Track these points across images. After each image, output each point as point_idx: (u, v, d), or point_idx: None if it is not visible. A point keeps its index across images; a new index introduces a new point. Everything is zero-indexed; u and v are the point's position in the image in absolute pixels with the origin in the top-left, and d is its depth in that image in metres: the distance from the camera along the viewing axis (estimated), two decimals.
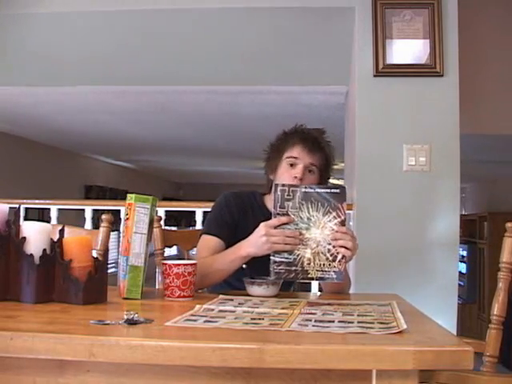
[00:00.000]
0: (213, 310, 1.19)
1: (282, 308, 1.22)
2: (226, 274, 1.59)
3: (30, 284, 1.26)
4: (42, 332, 0.98)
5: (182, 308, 1.32)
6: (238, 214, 1.73)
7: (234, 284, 1.66)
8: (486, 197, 7.10)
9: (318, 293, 1.72)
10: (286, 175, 1.68)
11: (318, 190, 1.45)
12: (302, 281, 1.47)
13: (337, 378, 0.97)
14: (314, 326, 1.03)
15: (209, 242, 1.69)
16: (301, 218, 1.43)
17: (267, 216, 1.56)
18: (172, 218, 8.98)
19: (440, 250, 2.47)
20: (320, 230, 1.43)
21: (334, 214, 1.44)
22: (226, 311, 1.18)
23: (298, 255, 1.43)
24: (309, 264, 1.43)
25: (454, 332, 2.32)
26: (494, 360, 1.52)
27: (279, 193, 1.43)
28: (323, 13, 2.66)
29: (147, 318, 1.09)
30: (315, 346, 0.92)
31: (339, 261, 1.44)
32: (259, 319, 1.09)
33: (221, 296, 1.38)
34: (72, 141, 5.97)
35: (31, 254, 1.27)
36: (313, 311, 1.18)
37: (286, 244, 1.43)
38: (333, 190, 1.45)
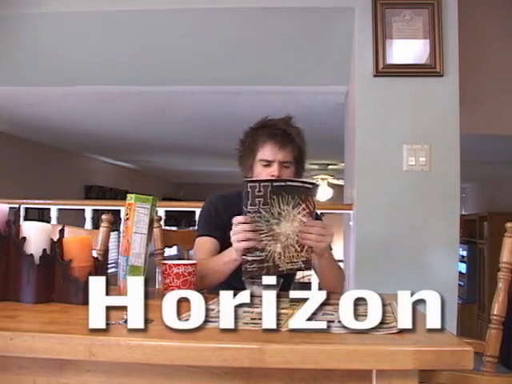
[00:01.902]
0: (213, 309, 1.18)
1: (282, 308, 1.22)
2: (223, 275, 1.60)
3: (30, 284, 1.26)
4: (42, 332, 0.98)
5: (181, 308, 1.32)
6: (226, 215, 1.74)
7: (234, 284, 1.66)
8: (486, 197, 7.10)
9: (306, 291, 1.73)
10: (263, 175, 1.70)
11: (290, 184, 1.43)
12: (274, 275, 1.48)
13: (337, 378, 0.97)
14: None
15: (203, 243, 1.70)
16: (272, 213, 1.40)
17: None
18: (172, 218, 8.97)
19: (440, 250, 2.47)
20: (290, 223, 1.43)
21: (304, 205, 1.43)
22: None
23: (269, 251, 1.42)
24: (279, 258, 1.44)
25: (454, 332, 2.31)
26: (494, 360, 1.52)
27: (249, 190, 1.38)
28: (323, 13, 2.66)
29: (147, 318, 1.09)
30: (315, 346, 0.92)
31: (306, 250, 1.46)
32: (259, 319, 1.09)
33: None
34: (72, 141, 5.97)
35: (31, 254, 1.27)
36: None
37: (250, 240, 1.41)
38: (305, 185, 1.44)
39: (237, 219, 1.44)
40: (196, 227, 1.79)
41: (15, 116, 4.45)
